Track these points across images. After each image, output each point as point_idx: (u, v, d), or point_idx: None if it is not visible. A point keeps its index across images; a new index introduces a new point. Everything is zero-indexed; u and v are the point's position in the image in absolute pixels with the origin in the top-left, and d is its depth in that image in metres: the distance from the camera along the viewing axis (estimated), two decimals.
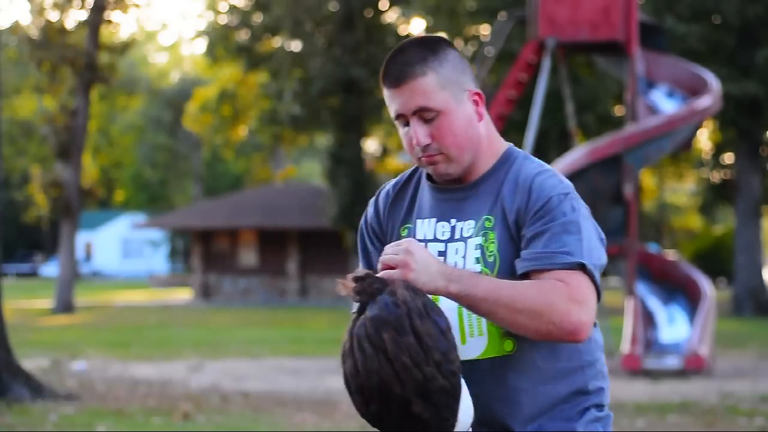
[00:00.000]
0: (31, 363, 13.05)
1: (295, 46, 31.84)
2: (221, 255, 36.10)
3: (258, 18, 32.14)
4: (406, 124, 2.39)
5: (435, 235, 2.40)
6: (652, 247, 36.88)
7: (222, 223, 35.28)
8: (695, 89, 15.56)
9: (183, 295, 39.06)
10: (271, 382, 12.73)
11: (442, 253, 2.37)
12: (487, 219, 2.35)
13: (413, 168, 2.55)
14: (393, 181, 2.57)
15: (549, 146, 27.45)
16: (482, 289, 2.22)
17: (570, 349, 2.35)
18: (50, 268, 57.94)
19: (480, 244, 2.33)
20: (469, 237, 2.36)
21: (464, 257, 2.35)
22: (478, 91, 2.43)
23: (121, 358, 15.48)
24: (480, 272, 2.30)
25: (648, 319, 14.63)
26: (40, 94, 29.88)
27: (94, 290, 43.35)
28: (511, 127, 25.01)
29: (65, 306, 27.22)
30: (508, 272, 2.30)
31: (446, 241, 2.38)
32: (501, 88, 16.84)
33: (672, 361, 13.65)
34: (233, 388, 11.94)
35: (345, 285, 2.20)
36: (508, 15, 20.47)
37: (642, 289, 14.93)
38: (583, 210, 2.36)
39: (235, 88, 38.08)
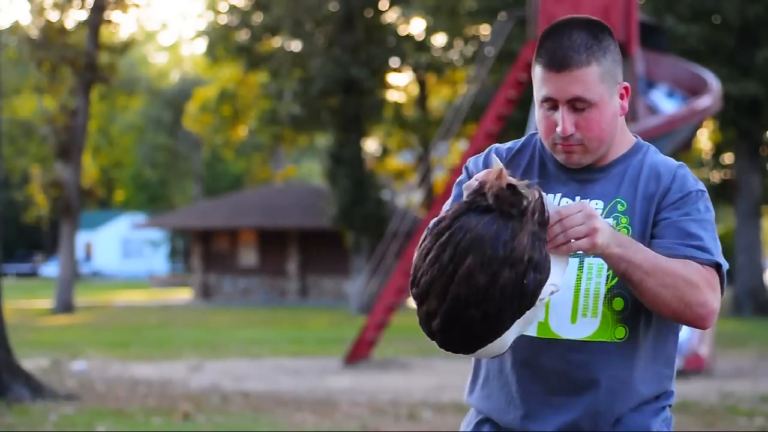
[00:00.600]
0: (31, 363, 13.06)
1: (295, 46, 31.83)
2: (221, 255, 36.09)
3: (258, 18, 32.13)
4: (553, 107, 2.35)
5: None
6: None
7: (222, 223, 35.28)
8: (695, 89, 15.56)
9: (183, 295, 39.06)
10: (271, 382, 12.73)
11: None
12: (620, 203, 2.35)
13: (525, 139, 2.54)
14: (505, 145, 2.54)
15: None
16: (641, 256, 2.21)
17: (669, 352, 2.41)
18: (50, 268, 57.94)
19: (611, 226, 2.27)
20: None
21: None
22: (627, 84, 2.42)
23: (121, 358, 15.47)
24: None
25: None
26: (40, 94, 29.88)
27: (94, 290, 43.34)
28: (511, 127, 25.02)
29: (65, 306, 27.22)
30: None
31: None
32: (501, 88, 16.84)
33: None
34: (233, 388, 11.93)
35: (495, 179, 2.10)
36: (508, 15, 20.48)
37: None
38: (713, 213, 2.41)
39: (235, 88, 38.07)
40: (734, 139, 28.52)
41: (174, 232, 51.14)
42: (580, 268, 2.31)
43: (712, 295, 2.25)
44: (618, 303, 2.29)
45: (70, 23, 27.61)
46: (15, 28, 28.88)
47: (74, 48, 26.69)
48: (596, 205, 2.34)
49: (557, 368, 2.28)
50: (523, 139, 2.54)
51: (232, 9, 32.84)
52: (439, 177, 38.45)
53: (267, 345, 17.99)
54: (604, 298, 2.28)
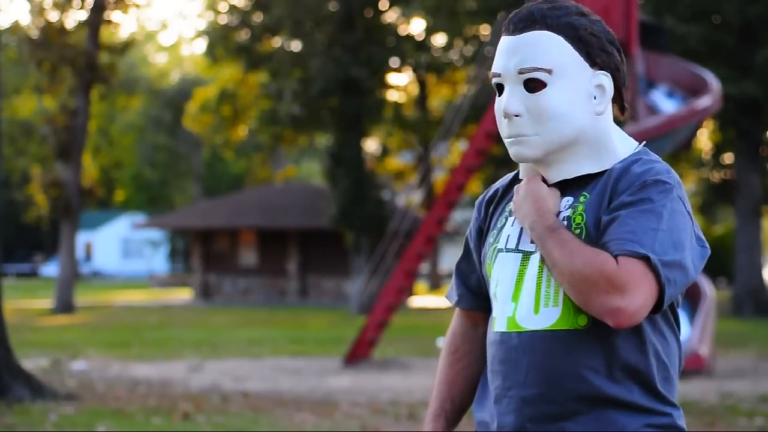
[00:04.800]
0: (31, 363, 13.06)
1: (295, 46, 31.84)
2: (221, 255, 36.10)
3: (258, 18, 32.14)
4: (499, 86, 2.33)
5: None
6: None
7: (222, 223, 35.28)
8: (695, 89, 15.56)
9: (183, 295, 39.07)
10: (271, 382, 12.73)
11: None
12: (583, 194, 2.25)
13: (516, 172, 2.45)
14: (494, 186, 2.47)
15: None
16: (550, 245, 2.15)
17: (645, 342, 2.21)
18: (50, 268, 57.96)
19: (568, 216, 2.22)
20: (560, 211, 2.25)
21: None
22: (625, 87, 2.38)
23: (121, 358, 15.48)
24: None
25: None
26: (40, 94, 29.89)
27: (94, 290, 43.36)
28: None
29: (65, 306, 27.22)
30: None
31: None
32: None
33: None
34: (233, 388, 11.94)
35: None
36: (508, 15, 20.50)
37: None
38: (677, 204, 2.19)
39: (235, 88, 38.09)
40: (734, 139, 28.52)
41: (174, 232, 51.15)
42: (525, 262, 2.25)
43: (612, 290, 2.08)
44: None
45: (70, 23, 27.62)
46: (15, 28, 28.88)
47: (74, 48, 26.69)
48: (567, 202, 2.25)
49: (526, 360, 2.22)
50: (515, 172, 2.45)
51: (232, 9, 32.85)
52: (439, 177, 38.46)
53: (267, 345, 17.99)
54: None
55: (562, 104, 2.19)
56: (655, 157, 2.31)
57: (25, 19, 55.25)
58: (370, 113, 30.98)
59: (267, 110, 33.42)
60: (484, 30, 29.90)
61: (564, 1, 2.26)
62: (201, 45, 61.41)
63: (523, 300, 2.24)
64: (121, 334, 20.41)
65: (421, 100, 37.19)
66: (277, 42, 32.67)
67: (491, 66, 2.40)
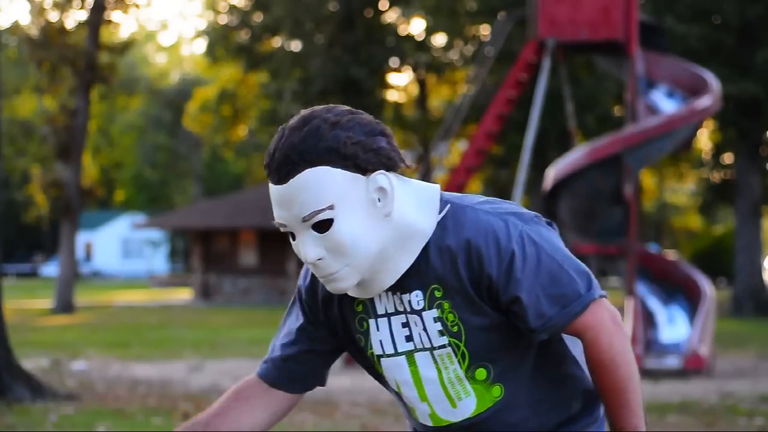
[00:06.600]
0: (31, 363, 13.06)
1: (295, 46, 31.85)
2: (221, 255, 36.10)
3: (258, 18, 32.15)
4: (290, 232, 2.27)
5: (395, 307, 2.23)
6: (652, 247, 36.89)
7: (222, 223, 35.28)
8: (695, 89, 15.55)
9: (183, 295, 39.07)
10: None
11: (405, 325, 2.22)
12: (436, 289, 2.18)
13: None
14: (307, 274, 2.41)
15: (549, 146, 27.46)
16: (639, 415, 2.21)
17: (561, 377, 2.29)
18: (50, 268, 57.97)
19: (438, 317, 2.18)
20: (422, 309, 2.20)
21: (425, 330, 2.21)
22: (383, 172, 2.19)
23: (121, 358, 15.47)
24: (449, 343, 2.20)
25: (648, 319, 14.64)
26: (40, 94, 29.87)
27: (94, 290, 43.36)
28: (511, 127, 25.05)
29: (65, 306, 27.22)
30: (476, 337, 2.19)
31: (405, 313, 2.23)
32: (501, 88, 16.84)
33: (672, 361, 13.66)
34: None
35: None
36: (508, 15, 20.49)
37: (642, 289, 14.93)
38: (540, 233, 2.18)
39: (235, 88, 38.10)
40: (734, 139, 28.51)
41: (174, 232, 51.15)
42: (412, 362, 2.25)
43: (621, 333, 2.17)
44: (481, 374, 2.22)
45: (70, 23, 27.61)
46: (15, 28, 28.90)
47: (74, 48, 26.69)
48: (416, 297, 2.19)
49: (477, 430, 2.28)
50: None
51: (232, 9, 32.86)
52: (439, 177, 38.46)
53: (267, 345, 17.88)
54: (467, 378, 2.22)
55: (355, 230, 2.10)
56: (468, 203, 2.21)
57: (25, 19, 55.25)
58: (370, 113, 30.92)
59: (267, 110, 33.43)
60: (484, 30, 29.90)
61: (311, 116, 2.12)
62: (201, 45, 61.40)
63: (435, 400, 2.27)
64: (121, 334, 20.41)
65: (421, 100, 37.19)
66: (277, 42, 32.68)
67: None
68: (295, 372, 2.41)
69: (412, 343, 2.24)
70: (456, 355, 2.21)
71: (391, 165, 2.14)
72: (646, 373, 13.38)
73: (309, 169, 2.08)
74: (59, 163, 27.55)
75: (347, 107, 2.18)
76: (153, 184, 60.53)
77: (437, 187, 2.23)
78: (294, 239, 2.17)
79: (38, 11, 27.24)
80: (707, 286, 14.57)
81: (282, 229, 2.18)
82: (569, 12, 15.18)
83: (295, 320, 2.39)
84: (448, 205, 2.20)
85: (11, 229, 58.07)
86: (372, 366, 2.35)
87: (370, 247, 2.12)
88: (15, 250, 60.84)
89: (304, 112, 2.15)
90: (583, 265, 2.20)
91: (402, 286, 2.20)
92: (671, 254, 33.01)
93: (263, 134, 36.78)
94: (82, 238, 57.27)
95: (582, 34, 15.27)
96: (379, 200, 2.12)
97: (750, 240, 27.79)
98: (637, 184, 16.29)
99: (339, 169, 2.08)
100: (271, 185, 2.13)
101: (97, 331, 21.29)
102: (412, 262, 2.18)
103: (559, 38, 15.32)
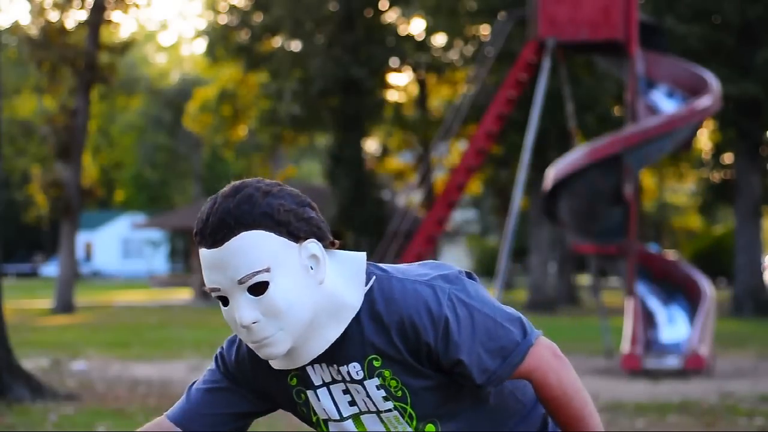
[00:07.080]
0: (31, 363, 13.06)
1: (295, 46, 31.85)
2: None
3: (258, 18, 32.15)
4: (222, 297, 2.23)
5: (332, 376, 2.25)
6: (652, 247, 36.89)
7: None
8: (695, 89, 15.56)
9: (183, 295, 39.07)
10: None
11: (347, 392, 2.25)
12: (374, 359, 2.20)
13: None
14: (230, 343, 2.39)
15: (549, 146, 27.48)
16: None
17: (495, 411, 2.32)
18: (50, 268, 57.99)
19: (380, 384, 2.21)
20: (363, 379, 2.22)
21: (369, 396, 2.23)
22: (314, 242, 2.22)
23: (121, 358, 15.47)
24: (394, 407, 2.23)
25: (648, 319, 14.63)
26: (40, 94, 29.89)
27: (94, 290, 43.37)
28: (511, 127, 25.05)
29: (65, 306, 27.22)
30: (422, 399, 2.22)
31: (346, 382, 2.25)
32: (501, 88, 16.85)
33: (672, 361, 13.65)
34: None
35: None
36: (508, 15, 20.50)
37: (642, 289, 14.93)
38: (467, 291, 2.21)
39: (235, 88, 38.09)
40: (734, 139, 28.52)
41: (174, 232, 51.15)
42: (359, 424, 2.27)
43: (566, 366, 2.23)
44: (430, 428, 2.26)
45: (70, 23, 27.61)
46: (15, 28, 28.89)
47: (74, 48, 26.69)
48: (354, 368, 2.21)
49: None
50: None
51: (232, 9, 32.86)
52: (439, 177, 38.46)
53: None
54: None
55: (291, 294, 2.12)
56: (393, 273, 2.23)
57: (25, 19, 55.25)
58: (370, 113, 31.00)
59: (267, 110, 33.43)
60: (484, 30, 29.90)
61: (242, 185, 2.15)
62: (201, 45, 61.41)
63: None
64: (121, 334, 20.41)
65: (421, 100, 37.18)
66: (277, 42, 32.68)
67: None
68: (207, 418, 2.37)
69: (356, 407, 2.26)
70: (404, 417, 2.25)
71: (321, 235, 2.17)
72: (646, 373, 13.39)
73: (245, 232, 2.09)
74: (59, 163, 27.55)
75: (275, 180, 2.20)
76: (153, 184, 60.53)
77: (363, 257, 2.24)
78: (226, 305, 2.15)
79: (38, 11, 27.24)
80: (707, 286, 14.57)
81: (214, 294, 2.15)
82: (569, 12, 15.19)
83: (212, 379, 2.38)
84: (373, 278, 2.21)
85: (11, 229, 58.08)
86: (317, 425, 2.36)
87: (304, 313, 2.14)
88: (15, 250, 60.86)
89: (234, 182, 2.17)
90: (514, 311, 2.24)
91: (337, 357, 2.22)
92: (671, 254, 33.02)
93: (263, 134, 36.80)
94: (82, 238, 57.29)
95: (582, 34, 15.27)
96: (312, 268, 2.14)
97: (750, 240, 27.79)
98: (637, 184, 16.30)
99: (274, 234, 2.10)
100: (203, 250, 2.12)
101: (97, 331, 21.29)
102: (340, 333, 2.19)
103: (559, 38, 15.32)
